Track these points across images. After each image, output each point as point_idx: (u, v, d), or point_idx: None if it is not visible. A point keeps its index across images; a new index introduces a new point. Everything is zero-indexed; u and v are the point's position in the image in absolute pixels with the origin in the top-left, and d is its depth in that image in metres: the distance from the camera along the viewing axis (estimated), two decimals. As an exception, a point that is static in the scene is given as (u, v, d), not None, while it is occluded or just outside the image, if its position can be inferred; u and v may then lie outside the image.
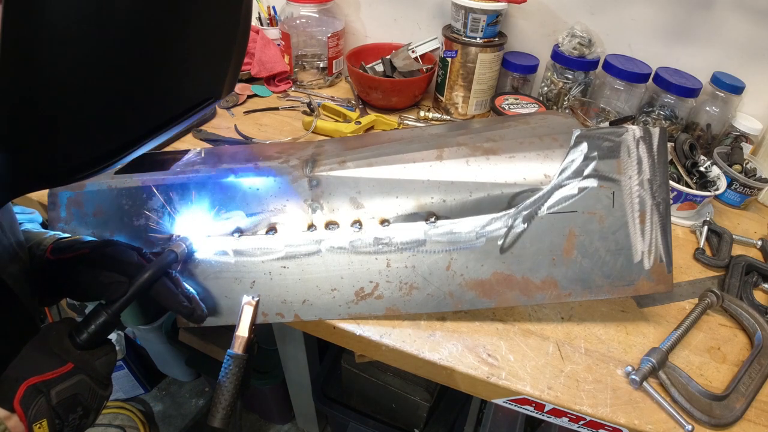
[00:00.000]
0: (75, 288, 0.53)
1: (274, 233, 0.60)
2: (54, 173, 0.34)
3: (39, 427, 0.39)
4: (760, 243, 0.81)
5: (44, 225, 0.62)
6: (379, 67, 1.11)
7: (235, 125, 0.99)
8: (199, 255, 0.60)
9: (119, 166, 0.37)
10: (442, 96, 1.08)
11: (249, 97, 1.11)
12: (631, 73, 0.95)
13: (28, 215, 0.61)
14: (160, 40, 0.32)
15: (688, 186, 0.83)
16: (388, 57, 1.10)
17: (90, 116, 0.32)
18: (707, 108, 0.97)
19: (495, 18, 0.97)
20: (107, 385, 0.46)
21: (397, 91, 1.06)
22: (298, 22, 1.11)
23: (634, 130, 0.57)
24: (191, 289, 0.56)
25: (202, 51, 0.37)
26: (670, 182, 0.70)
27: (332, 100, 1.12)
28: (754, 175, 0.89)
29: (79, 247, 0.52)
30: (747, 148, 0.95)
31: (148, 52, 0.32)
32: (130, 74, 0.32)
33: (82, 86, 0.30)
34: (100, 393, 0.44)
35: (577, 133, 0.58)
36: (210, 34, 0.37)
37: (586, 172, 0.57)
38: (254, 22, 1.21)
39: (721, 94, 0.94)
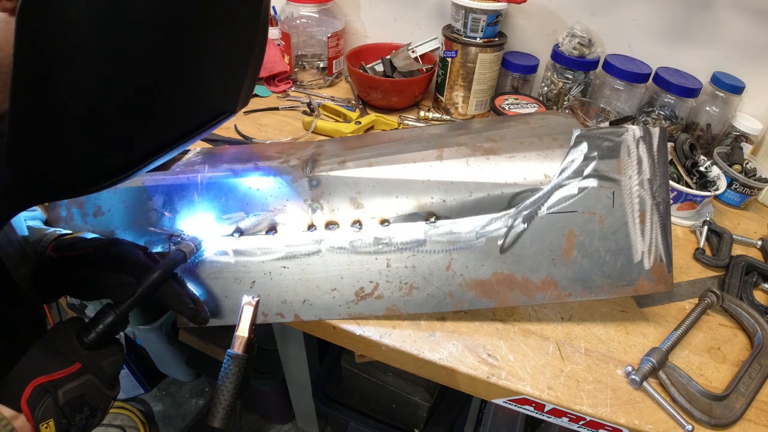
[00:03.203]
0: (79, 287, 0.52)
1: (274, 233, 0.60)
2: (70, 185, 0.34)
3: (46, 427, 0.39)
4: (760, 243, 0.81)
5: (47, 223, 0.62)
6: (379, 67, 1.11)
7: (235, 125, 0.99)
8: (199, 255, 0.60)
9: (131, 179, 0.36)
10: (442, 96, 1.08)
11: (249, 97, 1.11)
12: (631, 73, 0.95)
13: (30, 212, 0.60)
14: (180, 53, 0.32)
15: (688, 186, 0.83)
16: (388, 57, 1.10)
17: (104, 129, 0.32)
18: (707, 108, 0.97)
19: (495, 18, 0.97)
20: (114, 385, 0.46)
21: (397, 91, 1.06)
22: (298, 22, 1.11)
23: (634, 130, 0.57)
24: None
25: (219, 65, 0.37)
26: (670, 182, 0.70)
27: (332, 100, 1.12)
28: (754, 175, 0.89)
29: (82, 246, 0.52)
30: (747, 148, 0.95)
31: (167, 65, 0.32)
32: (148, 87, 0.32)
33: (97, 98, 0.30)
34: (107, 393, 0.44)
35: (577, 133, 0.58)
36: (228, 47, 0.37)
37: (586, 172, 0.57)
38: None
39: (721, 94, 0.94)
